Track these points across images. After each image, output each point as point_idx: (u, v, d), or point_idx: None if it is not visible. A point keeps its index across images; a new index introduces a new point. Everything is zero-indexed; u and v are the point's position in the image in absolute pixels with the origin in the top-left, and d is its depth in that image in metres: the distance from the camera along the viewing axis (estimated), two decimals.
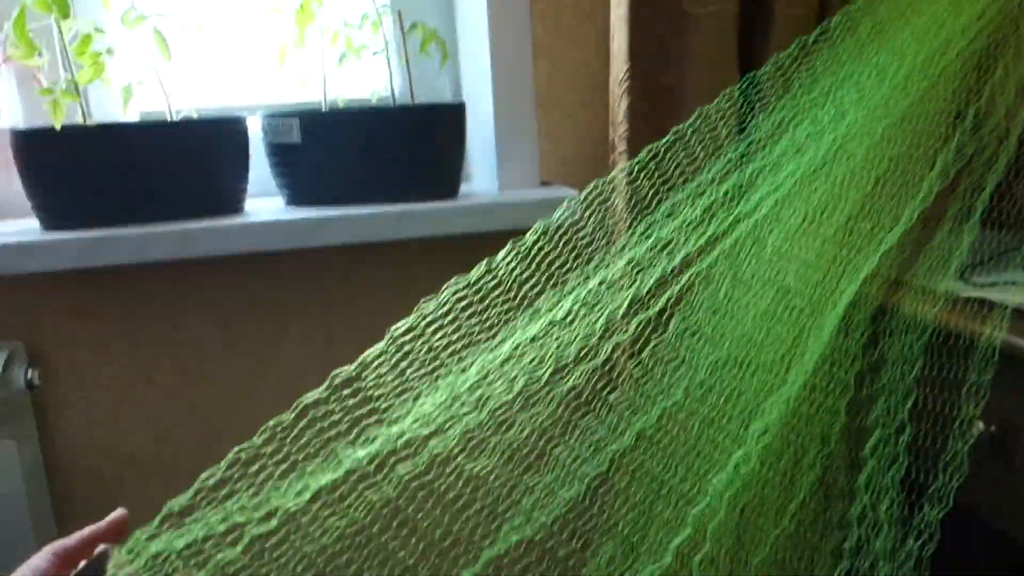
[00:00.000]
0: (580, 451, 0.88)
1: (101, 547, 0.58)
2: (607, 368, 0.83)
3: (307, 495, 0.73)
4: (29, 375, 1.02)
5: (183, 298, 1.11)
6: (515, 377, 0.81)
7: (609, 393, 0.85)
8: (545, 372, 0.82)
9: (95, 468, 1.12)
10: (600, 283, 0.87)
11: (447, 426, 0.78)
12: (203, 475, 0.76)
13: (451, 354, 0.82)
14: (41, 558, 0.70)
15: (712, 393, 0.80)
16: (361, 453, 0.76)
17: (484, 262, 0.80)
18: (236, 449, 0.78)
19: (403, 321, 0.79)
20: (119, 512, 0.71)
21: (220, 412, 1.15)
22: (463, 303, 0.81)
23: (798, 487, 0.81)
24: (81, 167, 1.00)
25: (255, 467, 0.76)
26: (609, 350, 0.82)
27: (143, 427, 1.12)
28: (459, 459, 0.78)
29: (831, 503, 0.83)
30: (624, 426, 0.84)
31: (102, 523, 0.70)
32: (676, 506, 0.80)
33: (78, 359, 1.08)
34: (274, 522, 0.73)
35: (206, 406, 1.14)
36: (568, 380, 0.80)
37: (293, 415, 0.78)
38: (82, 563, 0.59)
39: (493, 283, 0.82)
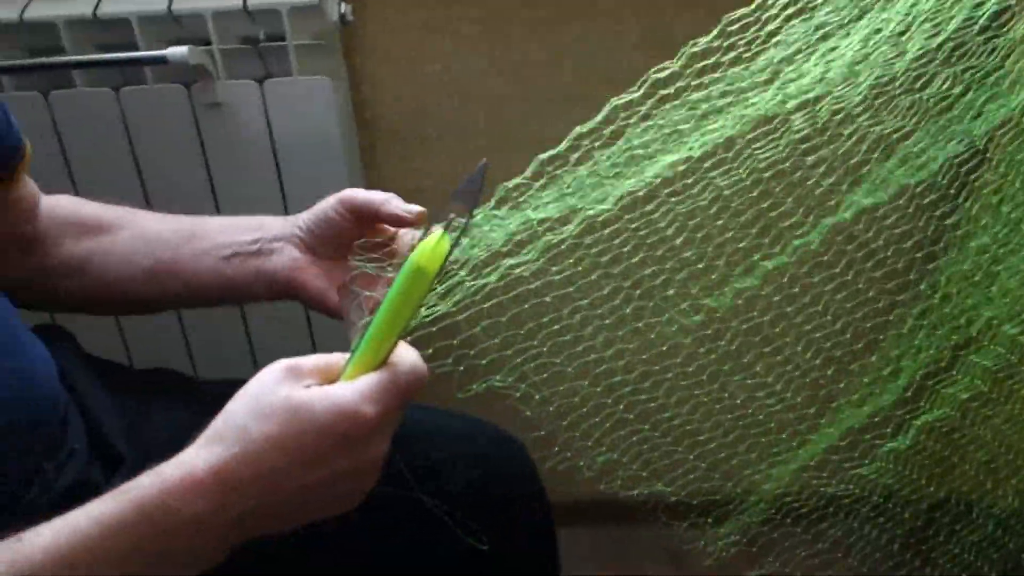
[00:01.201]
0: None
1: (483, 160, 0.52)
2: None
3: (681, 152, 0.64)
4: (342, 9, 0.97)
5: None
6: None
7: None
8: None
9: (400, 124, 1.09)
10: None
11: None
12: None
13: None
14: (330, 206, 0.65)
15: None
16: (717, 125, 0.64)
17: None
18: (577, 130, 0.68)
19: None
20: (423, 209, 0.64)
21: (523, 72, 1.06)
22: None
23: None
24: None
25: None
26: None
27: (446, 82, 1.07)
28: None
29: None
30: None
31: (404, 205, 0.64)
32: None
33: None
34: (608, 204, 0.66)
35: (509, 64, 1.06)
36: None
37: (640, 91, 0.66)
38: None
39: None
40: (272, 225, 0.70)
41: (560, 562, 0.79)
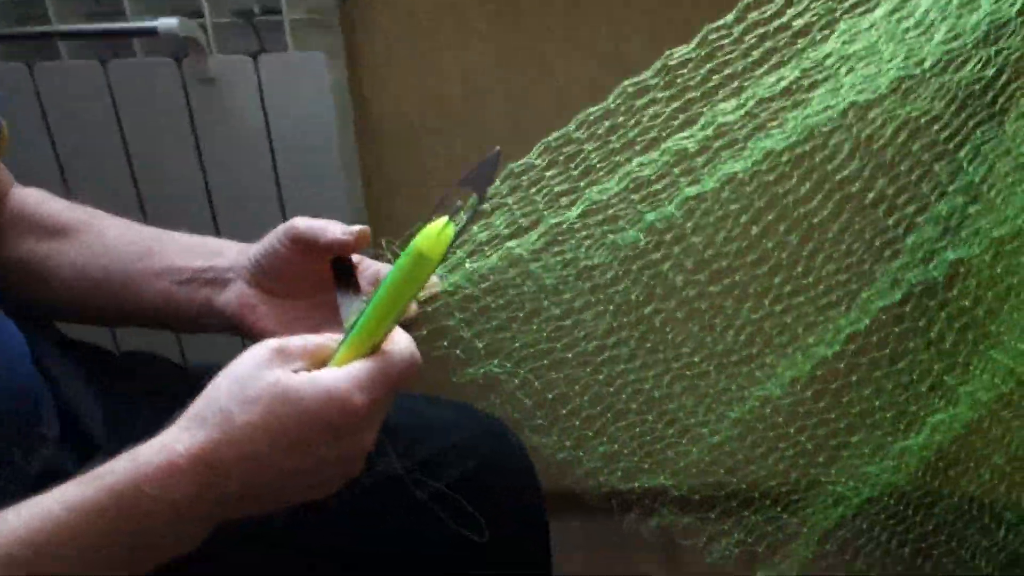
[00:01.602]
0: None
1: (496, 148, 0.49)
2: None
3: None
4: None
5: None
6: None
7: None
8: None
9: (399, 107, 1.06)
10: None
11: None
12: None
13: None
14: (276, 237, 0.61)
15: None
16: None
17: None
18: (585, 112, 0.65)
19: None
20: (364, 227, 0.59)
21: (533, 61, 1.03)
22: None
23: None
24: None
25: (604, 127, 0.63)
26: None
27: (450, 68, 1.03)
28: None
29: None
30: None
31: (343, 228, 0.59)
32: None
33: None
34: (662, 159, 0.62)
35: (518, 52, 1.03)
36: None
37: (652, 72, 0.63)
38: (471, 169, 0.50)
39: None
40: (230, 253, 0.65)
41: (552, 552, 0.77)
